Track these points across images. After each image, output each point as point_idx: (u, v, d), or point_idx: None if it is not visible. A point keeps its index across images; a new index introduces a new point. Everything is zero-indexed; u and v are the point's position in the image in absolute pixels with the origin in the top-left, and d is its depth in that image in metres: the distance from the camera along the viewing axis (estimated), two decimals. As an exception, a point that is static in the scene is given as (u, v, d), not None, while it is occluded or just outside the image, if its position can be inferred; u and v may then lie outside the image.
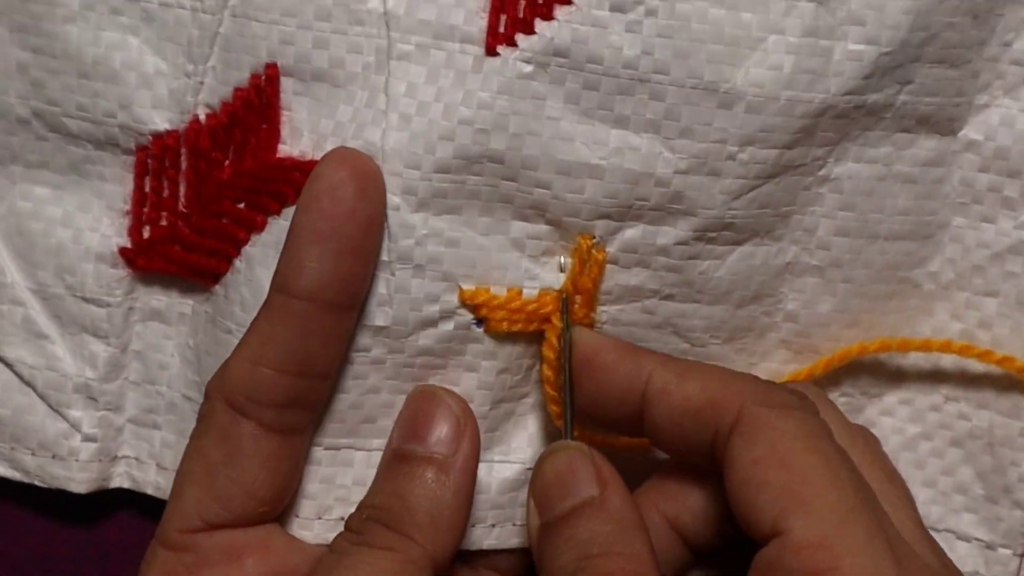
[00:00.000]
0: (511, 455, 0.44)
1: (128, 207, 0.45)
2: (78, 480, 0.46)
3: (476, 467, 0.41)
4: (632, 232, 0.42)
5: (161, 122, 0.44)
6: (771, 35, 0.40)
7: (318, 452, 0.43)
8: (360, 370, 0.42)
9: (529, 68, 0.41)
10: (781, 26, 0.40)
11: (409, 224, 0.41)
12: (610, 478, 0.40)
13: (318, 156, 0.41)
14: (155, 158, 0.44)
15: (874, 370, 0.46)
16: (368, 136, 0.41)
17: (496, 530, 0.44)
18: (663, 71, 0.41)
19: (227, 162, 0.43)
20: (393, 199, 0.41)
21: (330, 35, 0.42)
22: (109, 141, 0.44)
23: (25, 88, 0.44)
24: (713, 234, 0.42)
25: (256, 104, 0.43)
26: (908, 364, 0.46)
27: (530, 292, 0.42)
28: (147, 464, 0.46)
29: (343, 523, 0.41)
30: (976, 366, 0.45)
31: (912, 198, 0.43)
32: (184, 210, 0.44)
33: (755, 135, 0.41)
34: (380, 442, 0.43)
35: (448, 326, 0.42)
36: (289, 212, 0.41)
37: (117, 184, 0.45)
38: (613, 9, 0.41)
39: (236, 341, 0.41)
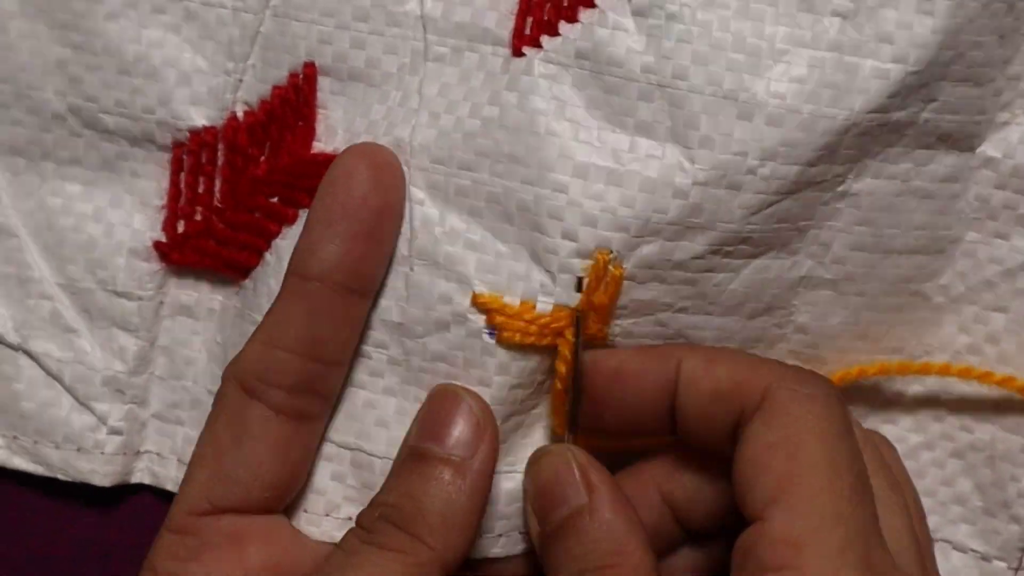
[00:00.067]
0: (517, 465, 0.44)
1: (162, 202, 0.45)
2: (102, 473, 0.46)
3: (493, 471, 0.41)
4: (650, 248, 0.41)
5: (199, 119, 0.44)
6: (794, 47, 0.40)
7: (330, 448, 0.43)
8: (376, 367, 0.42)
9: (553, 69, 0.41)
10: (805, 39, 0.40)
11: (431, 220, 0.42)
12: (597, 481, 0.39)
13: (350, 153, 0.42)
14: (191, 154, 0.45)
15: (878, 379, 0.46)
16: (398, 133, 0.42)
17: (502, 539, 0.44)
18: (682, 76, 0.40)
19: (263, 158, 0.44)
20: (418, 193, 0.42)
21: (367, 36, 0.43)
22: (145, 137, 0.45)
23: (63, 84, 0.45)
24: (730, 248, 0.42)
25: (293, 102, 0.44)
26: (912, 376, 0.46)
27: (544, 307, 0.42)
28: (168, 459, 0.47)
29: (351, 523, 0.41)
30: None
31: (928, 213, 0.43)
32: (219, 205, 0.45)
33: (776, 149, 0.40)
34: (392, 451, 0.42)
35: (460, 331, 0.42)
36: (320, 207, 0.42)
37: (150, 180, 0.45)
38: (635, 14, 0.41)
39: (260, 332, 0.42)
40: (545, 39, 0.42)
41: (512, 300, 0.42)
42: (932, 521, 0.46)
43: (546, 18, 0.42)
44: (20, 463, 0.46)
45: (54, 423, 0.46)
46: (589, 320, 0.42)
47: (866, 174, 0.42)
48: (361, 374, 0.43)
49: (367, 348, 0.42)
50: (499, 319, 0.42)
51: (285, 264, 0.42)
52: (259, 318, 0.43)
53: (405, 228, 0.42)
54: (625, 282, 0.42)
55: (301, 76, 0.43)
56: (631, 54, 0.41)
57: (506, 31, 0.42)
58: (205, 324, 0.46)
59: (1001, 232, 0.44)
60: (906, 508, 0.40)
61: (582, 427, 0.42)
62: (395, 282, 0.42)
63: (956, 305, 0.45)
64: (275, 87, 0.44)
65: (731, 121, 0.40)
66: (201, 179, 0.45)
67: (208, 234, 0.45)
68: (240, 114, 0.44)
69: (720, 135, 0.40)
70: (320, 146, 0.44)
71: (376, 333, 0.42)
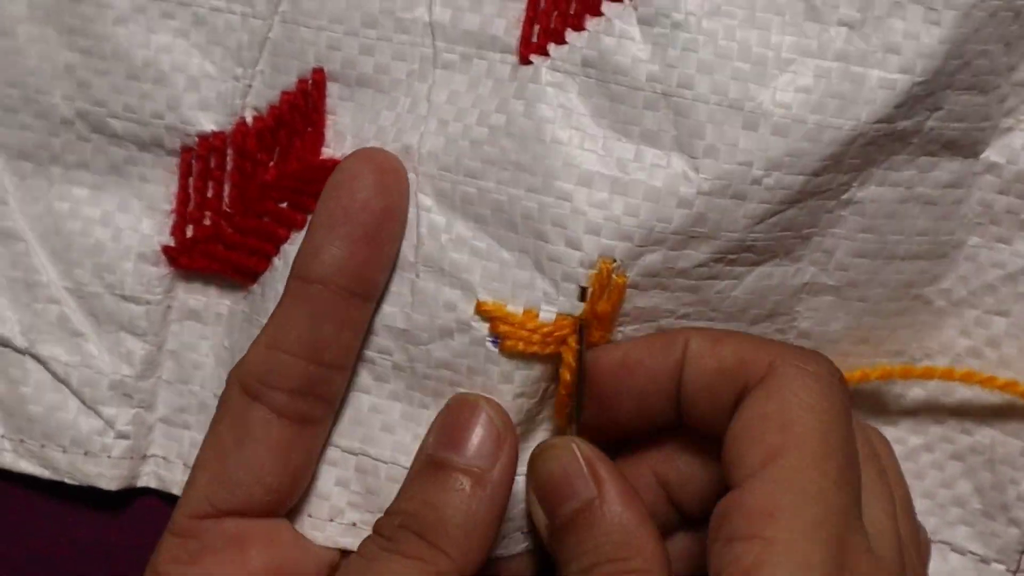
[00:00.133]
0: (520, 468, 0.44)
1: (171, 207, 0.45)
2: (109, 477, 0.46)
3: (512, 482, 0.40)
4: (653, 257, 0.41)
5: (208, 124, 0.44)
6: (801, 57, 0.40)
7: (335, 452, 0.43)
8: (381, 372, 0.43)
9: (559, 77, 0.41)
10: (812, 48, 0.40)
11: (438, 227, 0.42)
12: (605, 474, 0.39)
13: (358, 159, 0.42)
14: (200, 159, 0.45)
15: (879, 382, 0.46)
16: (407, 140, 0.42)
17: (504, 540, 0.43)
18: (687, 85, 0.40)
19: (272, 164, 0.44)
20: (426, 200, 0.42)
21: (376, 42, 0.43)
22: (153, 142, 0.45)
23: (71, 89, 0.45)
24: (733, 256, 0.42)
25: (302, 108, 0.44)
26: (913, 378, 0.46)
27: (547, 316, 0.41)
28: (175, 464, 0.47)
29: (355, 528, 0.42)
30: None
31: (931, 219, 0.43)
32: (227, 210, 0.45)
33: (782, 159, 0.40)
34: (398, 456, 0.43)
35: (464, 339, 0.42)
36: (328, 211, 0.42)
37: (159, 184, 0.45)
38: (641, 22, 0.41)
39: (269, 337, 0.42)
40: (552, 47, 0.42)
41: (515, 309, 0.41)
42: (931, 523, 0.46)
43: (553, 26, 0.42)
44: (27, 466, 0.46)
45: (61, 427, 0.46)
46: (592, 328, 0.42)
47: (870, 182, 0.42)
48: (366, 379, 0.43)
49: (372, 353, 0.43)
50: (503, 328, 0.41)
51: None
52: (265, 322, 0.43)
53: (412, 234, 0.42)
54: (628, 290, 0.42)
55: (310, 82, 0.44)
56: (637, 63, 0.41)
57: (514, 39, 0.42)
58: (213, 329, 0.46)
59: (1003, 237, 0.44)
60: (891, 499, 0.40)
61: (585, 423, 0.42)
62: (400, 288, 0.42)
63: (957, 309, 0.45)
64: (284, 93, 0.44)
65: (736, 131, 0.40)
66: (210, 184, 0.45)
67: (217, 239, 0.45)
68: (249, 119, 0.44)
69: (725, 145, 0.40)
70: (329, 152, 0.44)
71: (381, 339, 0.42)
